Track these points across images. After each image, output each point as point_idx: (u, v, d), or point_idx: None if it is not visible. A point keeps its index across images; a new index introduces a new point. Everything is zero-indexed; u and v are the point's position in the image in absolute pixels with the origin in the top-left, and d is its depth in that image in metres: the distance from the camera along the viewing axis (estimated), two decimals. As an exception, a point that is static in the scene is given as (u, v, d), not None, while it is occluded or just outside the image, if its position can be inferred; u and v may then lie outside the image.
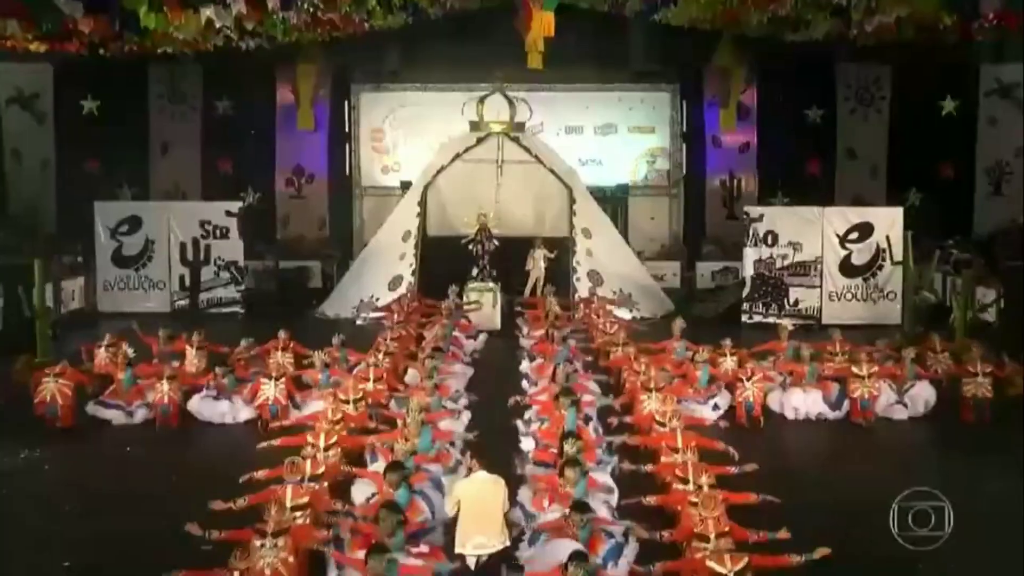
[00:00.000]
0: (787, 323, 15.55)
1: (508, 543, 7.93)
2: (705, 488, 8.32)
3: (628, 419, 11.62)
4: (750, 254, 20.14)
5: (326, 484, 9.01)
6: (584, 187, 22.79)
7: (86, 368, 13.49)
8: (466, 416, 12.02)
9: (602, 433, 10.98)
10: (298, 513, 8.20)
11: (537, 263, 20.57)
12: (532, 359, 15.11)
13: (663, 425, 9.99)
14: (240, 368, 13.80)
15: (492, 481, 8.05)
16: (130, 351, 13.58)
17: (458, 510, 8.02)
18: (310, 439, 9.60)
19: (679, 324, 14.86)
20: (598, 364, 15.44)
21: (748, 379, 12.61)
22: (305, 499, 8.35)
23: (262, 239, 26.11)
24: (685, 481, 8.70)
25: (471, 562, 7.86)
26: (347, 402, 11.16)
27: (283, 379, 12.50)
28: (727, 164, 27.62)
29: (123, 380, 12.81)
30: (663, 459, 9.49)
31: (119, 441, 12.02)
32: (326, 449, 9.53)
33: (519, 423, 11.55)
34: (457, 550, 7.92)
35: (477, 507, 7.86)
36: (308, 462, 8.85)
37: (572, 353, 13.89)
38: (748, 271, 20.17)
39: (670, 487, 9.07)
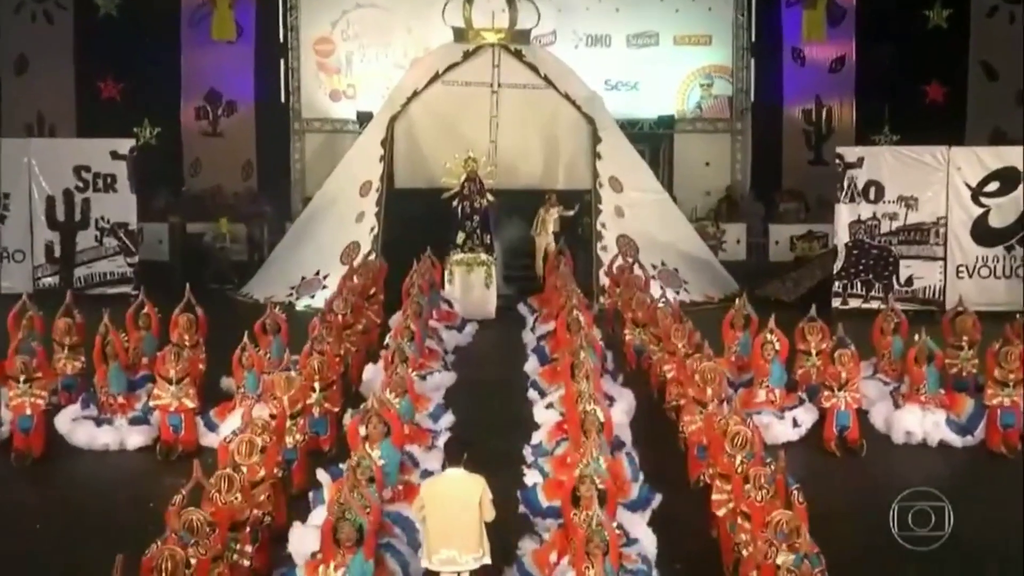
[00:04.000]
0: (895, 307, 15.43)
1: (488, 560, 8.35)
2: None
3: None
4: (845, 213, 20.05)
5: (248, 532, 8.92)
6: (612, 121, 22.71)
7: None
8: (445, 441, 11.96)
9: (638, 463, 10.93)
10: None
11: (545, 226, 20.44)
12: (542, 359, 15.06)
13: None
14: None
15: (467, 480, 8.40)
16: None
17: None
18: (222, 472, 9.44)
19: (741, 307, 14.79)
20: (632, 365, 15.42)
21: (840, 386, 12.52)
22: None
23: (163, 192, 26.06)
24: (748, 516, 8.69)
25: None
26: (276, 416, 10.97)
27: (186, 381, 12.46)
28: (813, 87, 27.54)
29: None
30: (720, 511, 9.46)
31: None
32: (254, 486, 9.41)
33: (526, 449, 11.49)
34: (423, 564, 8.44)
35: (445, 512, 8.27)
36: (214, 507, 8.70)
37: (597, 353, 13.80)
38: (842, 237, 20.08)
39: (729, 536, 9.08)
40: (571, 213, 20.71)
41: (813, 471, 11.76)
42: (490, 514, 8.39)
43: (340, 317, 14.79)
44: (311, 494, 10.12)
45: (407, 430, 11.15)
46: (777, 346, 13.09)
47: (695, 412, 11.44)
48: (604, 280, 19.60)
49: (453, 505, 8.28)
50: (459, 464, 8.51)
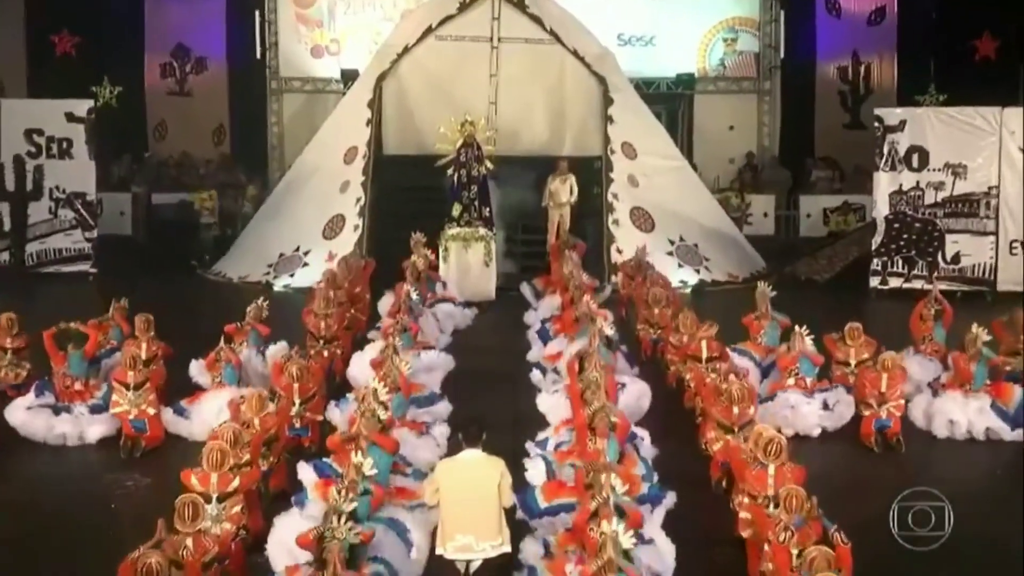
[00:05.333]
0: (937, 294, 15.33)
1: (508, 547, 8.64)
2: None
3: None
4: (885, 182, 20.06)
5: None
6: (626, 80, 22.69)
7: None
8: (442, 434, 12.01)
9: (651, 460, 10.97)
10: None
11: (557, 197, 20.32)
12: (546, 342, 15.12)
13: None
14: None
15: (485, 463, 8.65)
16: None
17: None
18: (195, 480, 9.34)
19: (763, 292, 14.77)
20: (646, 353, 15.50)
21: (881, 402, 12.42)
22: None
23: (125, 158, 26.03)
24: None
25: (461, 568, 8.58)
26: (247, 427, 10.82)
27: (146, 387, 12.35)
28: (850, 42, 27.48)
29: None
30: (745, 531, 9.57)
31: None
32: (220, 499, 9.35)
33: (530, 445, 11.54)
34: (438, 551, 8.70)
35: (462, 497, 8.52)
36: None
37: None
38: (881, 209, 20.09)
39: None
40: (573, 197, 20.38)
41: (845, 468, 11.84)
42: (509, 499, 8.66)
43: (322, 323, 14.63)
44: (294, 499, 10.11)
45: (398, 424, 11.29)
46: (801, 341, 13.11)
47: (720, 430, 11.31)
48: (616, 257, 19.63)
49: (470, 489, 8.51)
50: (477, 445, 8.68)
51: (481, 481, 8.52)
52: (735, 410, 11.10)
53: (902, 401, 12.59)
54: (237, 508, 9.44)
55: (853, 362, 13.41)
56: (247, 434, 10.24)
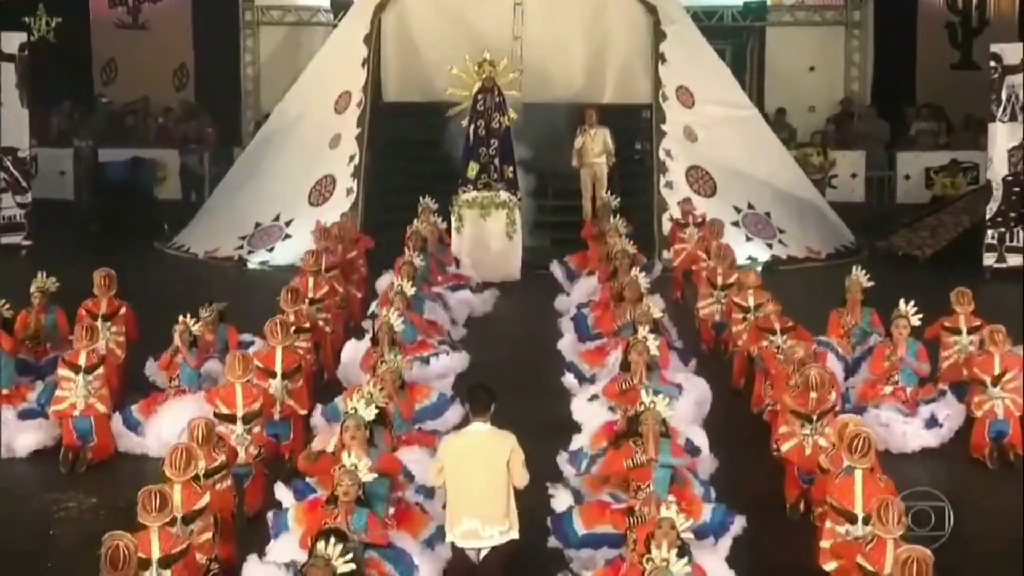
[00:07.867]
0: None
1: (515, 534, 8.99)
2: None
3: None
4: (1002, 136, 20.03)
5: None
6: (682, 9, 22.75)
7: None
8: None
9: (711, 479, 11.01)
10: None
11: (587, 155, 20.33)
12: (582, 334, 15.14)
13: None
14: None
15: (494, 437, 9.05)
16: None
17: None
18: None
19: (858, 280, 14.68)
20: (708, 344, 15.56)
21: (995, 379, 12.44)
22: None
23: (66, 106, 26.11)
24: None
25: (472, 555, 8.94)
26: (229, 419, 11.07)
27: (97, 372, 12.37)
28: (960, -38, 27.40)
29: None
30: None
31: None
32: (187, 521, 9.24)
33: (561, 456, 11.62)
34: (448, 538, 9.10)
35: (467, 475, 8.97)
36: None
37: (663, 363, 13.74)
38: (998, 169, 20.05)
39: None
40: (610, 155, 20.35)
41: (952, 488, 11.79)
42: (521, 479, 8.99)
43: (309, 279, 14.70)
44: (270, 516, 10.17)
45: (403, 438, 11.48)
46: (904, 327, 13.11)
47: (794, 424, 11.30)
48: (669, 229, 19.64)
49: (477, 467, 8.93)
50: (485, 418, 8.97)
51: (488, 457, 8.91)
52: (812, 395, 11.14)
53: (1020, 397, 12.49)
54: (207, 535, 9.41)
55: (964, 328, 13.53)
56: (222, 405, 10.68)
